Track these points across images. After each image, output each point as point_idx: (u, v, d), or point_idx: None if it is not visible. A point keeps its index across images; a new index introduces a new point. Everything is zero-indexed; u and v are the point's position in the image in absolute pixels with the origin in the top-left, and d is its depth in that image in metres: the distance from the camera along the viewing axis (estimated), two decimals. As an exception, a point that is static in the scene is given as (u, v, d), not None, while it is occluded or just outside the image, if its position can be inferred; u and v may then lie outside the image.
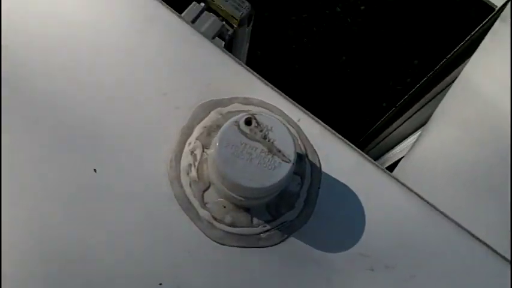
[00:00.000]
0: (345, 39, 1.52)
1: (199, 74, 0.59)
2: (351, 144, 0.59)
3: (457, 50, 0.91)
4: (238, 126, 0.50)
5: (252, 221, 0.54)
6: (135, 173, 0.55)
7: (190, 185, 0.55)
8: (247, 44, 0.79)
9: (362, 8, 1.55)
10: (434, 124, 0.65)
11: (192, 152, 0.55)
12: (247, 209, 0.54)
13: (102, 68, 0.58)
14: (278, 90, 0.60)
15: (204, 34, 0.62)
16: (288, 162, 0.49)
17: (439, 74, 0.99)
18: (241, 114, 0.50)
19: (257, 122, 0.50)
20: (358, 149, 0.59)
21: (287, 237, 0.54)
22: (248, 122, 0.50)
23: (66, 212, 0.53)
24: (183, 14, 0.69)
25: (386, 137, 1.16)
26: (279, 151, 0.49)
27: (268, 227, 0.54)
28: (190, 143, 0.56)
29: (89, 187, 0.54)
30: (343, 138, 0.59)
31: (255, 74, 0.60)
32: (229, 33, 0.68)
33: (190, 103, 0.58)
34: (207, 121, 0.57)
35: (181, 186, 0.55)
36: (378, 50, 1.51)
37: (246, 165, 0.48)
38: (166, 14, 0.61)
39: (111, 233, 0.53)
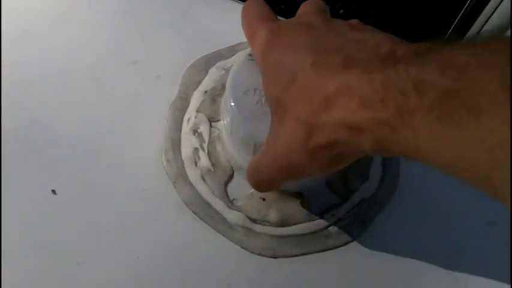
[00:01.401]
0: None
1: (179, 24, 0.41)
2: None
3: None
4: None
5: (311, 211, 0.34)
6: (114, 187, 0.35)
7: (203, 180, 0.35)
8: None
9: (341, 12, 1.40)
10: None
11: (195, 132, 0.36)
12: (299, 195, 0.35)
13: (33, 40, 0.39)
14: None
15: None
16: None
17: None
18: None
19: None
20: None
21: (369, 225, 0.35)
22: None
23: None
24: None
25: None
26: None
27: (338, 213, 0.34)
28: (189, 119, 0.37)
29: (45, 219, 0.34)
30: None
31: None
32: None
33: (176, 66, 0.39)
34: (206, 83, 0.38)
35: (191, 185, 0.35)
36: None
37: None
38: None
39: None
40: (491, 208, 0.35)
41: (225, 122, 0.33)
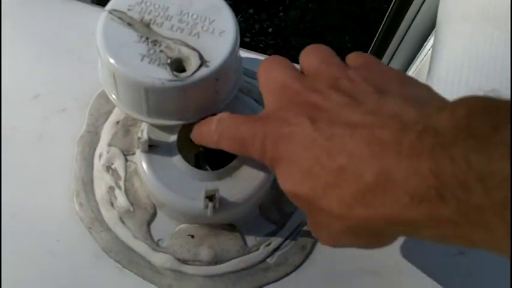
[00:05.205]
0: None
1: (82, 51, 0.37)
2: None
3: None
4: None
5: (245, 243, 0.31)
6: (20, 241, 0.31)
7: (122, 222, 0.31)
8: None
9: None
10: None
11: (108, 168, 0.32)
12: (231, 228, 0.31)
13: None
14: None
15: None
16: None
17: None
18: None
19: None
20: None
21: (312, 250, 0.32)
22: None
23: None
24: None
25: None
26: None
27: (275, 242, 0.31)
28: (101, 155, 0.33)
29: None
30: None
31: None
32: None
33: (82, 97, 0.35)
34: (118, 112, 0.34)
35: (109, 229, 0.31)
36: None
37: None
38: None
39: None
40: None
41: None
